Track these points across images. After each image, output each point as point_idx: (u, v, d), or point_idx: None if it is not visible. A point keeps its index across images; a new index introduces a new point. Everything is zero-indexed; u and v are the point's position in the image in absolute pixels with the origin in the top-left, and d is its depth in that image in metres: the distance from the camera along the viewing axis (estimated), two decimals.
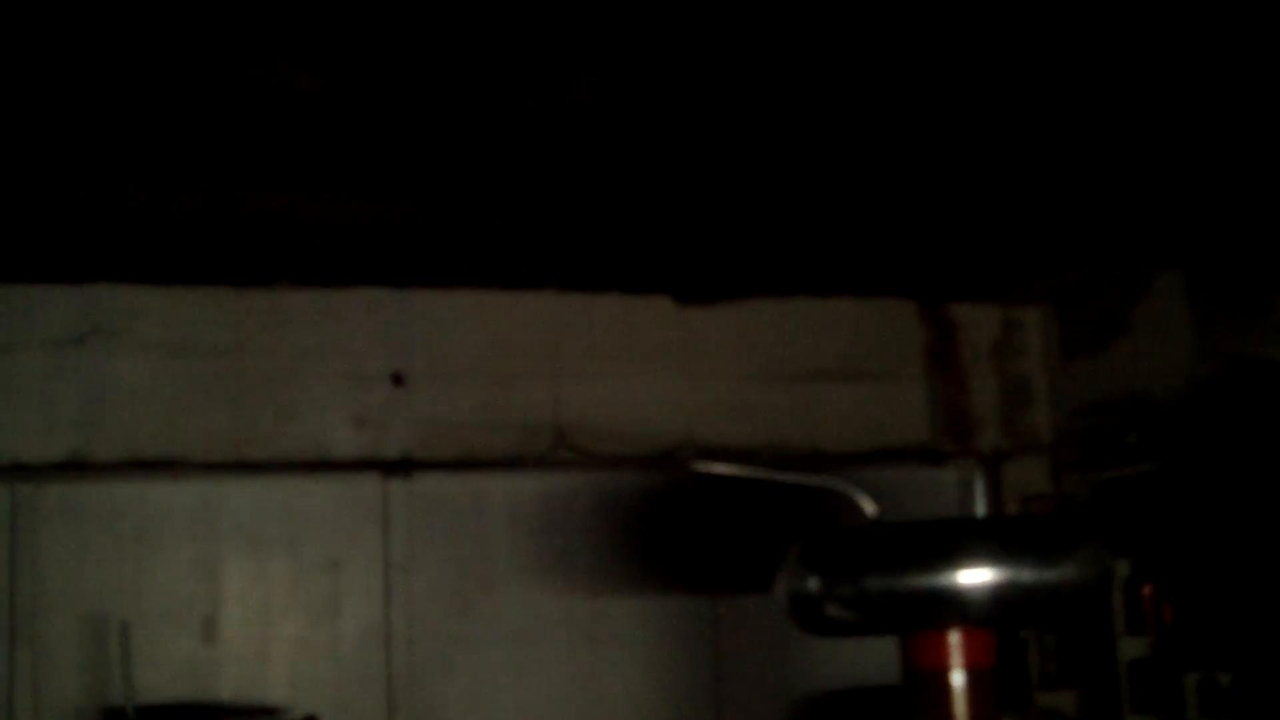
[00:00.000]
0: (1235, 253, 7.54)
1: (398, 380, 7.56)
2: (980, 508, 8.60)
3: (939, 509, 8.38)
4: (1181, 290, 7.94)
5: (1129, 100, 5.29)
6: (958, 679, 3.21)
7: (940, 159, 5.92)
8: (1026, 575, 3.08)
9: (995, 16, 4.48)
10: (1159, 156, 6.01)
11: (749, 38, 4.52)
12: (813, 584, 3.21)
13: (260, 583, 7.45)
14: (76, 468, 7.16)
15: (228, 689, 7.28)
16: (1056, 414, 8.82)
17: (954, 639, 3.20)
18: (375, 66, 4.37)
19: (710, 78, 4.85)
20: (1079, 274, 8.00)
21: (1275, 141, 5.82)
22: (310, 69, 4.36)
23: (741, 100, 5.07)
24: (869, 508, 3.38)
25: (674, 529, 8.06)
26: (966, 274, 8.17)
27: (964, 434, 8.70)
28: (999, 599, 3.06)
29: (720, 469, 4.02)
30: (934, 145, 5.72)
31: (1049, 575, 3.12)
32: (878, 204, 6.59)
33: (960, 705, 3.22)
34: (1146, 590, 7.67)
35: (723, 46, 4.56)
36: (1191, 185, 6.50)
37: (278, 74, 4.42)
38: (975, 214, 6.83)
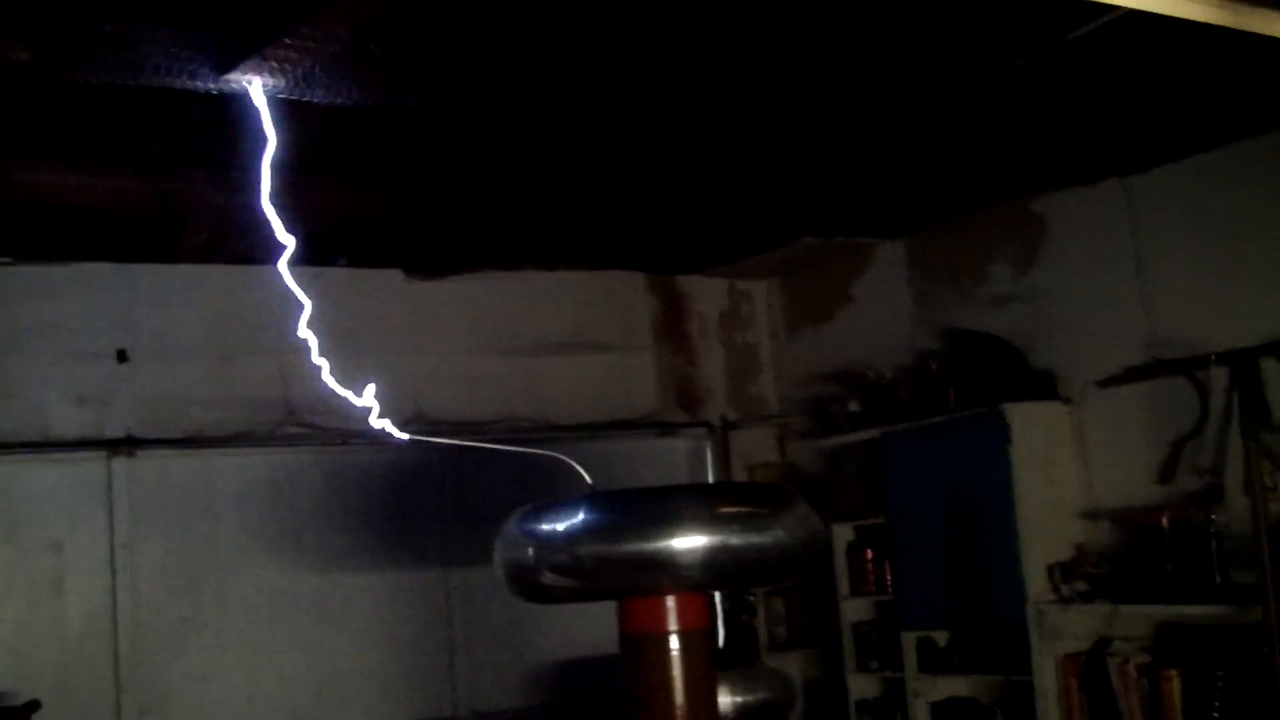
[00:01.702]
0: (950, 225, 7.81)
1: (122, 357, 7.40)
2: (710, 477, 8.76)
3: (670, 478, 8.51)
4: (902, 262, 8.19)
5: (849, 75, 5.43)
6: (673, 642, 3.31)
7: (662, 132, 6.01)
8: (736, 539, 3.19)
9: None
10: (877, 129, 6.17)
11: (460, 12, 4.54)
12: (529, 553, 3.27)
13: None
14: None
15: None
16: (782, 384, 9.04)
17: (668, 603, 3.30)
18: (87, 36, 4.30)
19: (435, 53, 4.85)
20: (803, 246, 8.18)
21: (978, 116, 6.04)
22: (25, 41, 4.27)
23: (466, 72, 5.08)
24: (585, 477, 3.46)
25: (406, 503, 8.04)
26: (694, 246, 8.30)
27: (693, 404, 8.86)
28: (709, 563, 3.16)
29: (442, 441, 4.06)
30: (657, 119, 5.81)
31: (758, 539, 3.23)
32: (605, 176, 6.65)
33: (677, 667, 3.32)
34: (868, 554, 7.91)
35: (447, 25, 4.57)
36: (910, 158, 6.70)
37: None
38: (700, 187, 6.93)
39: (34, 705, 6.76)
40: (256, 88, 4.58)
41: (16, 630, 7.21)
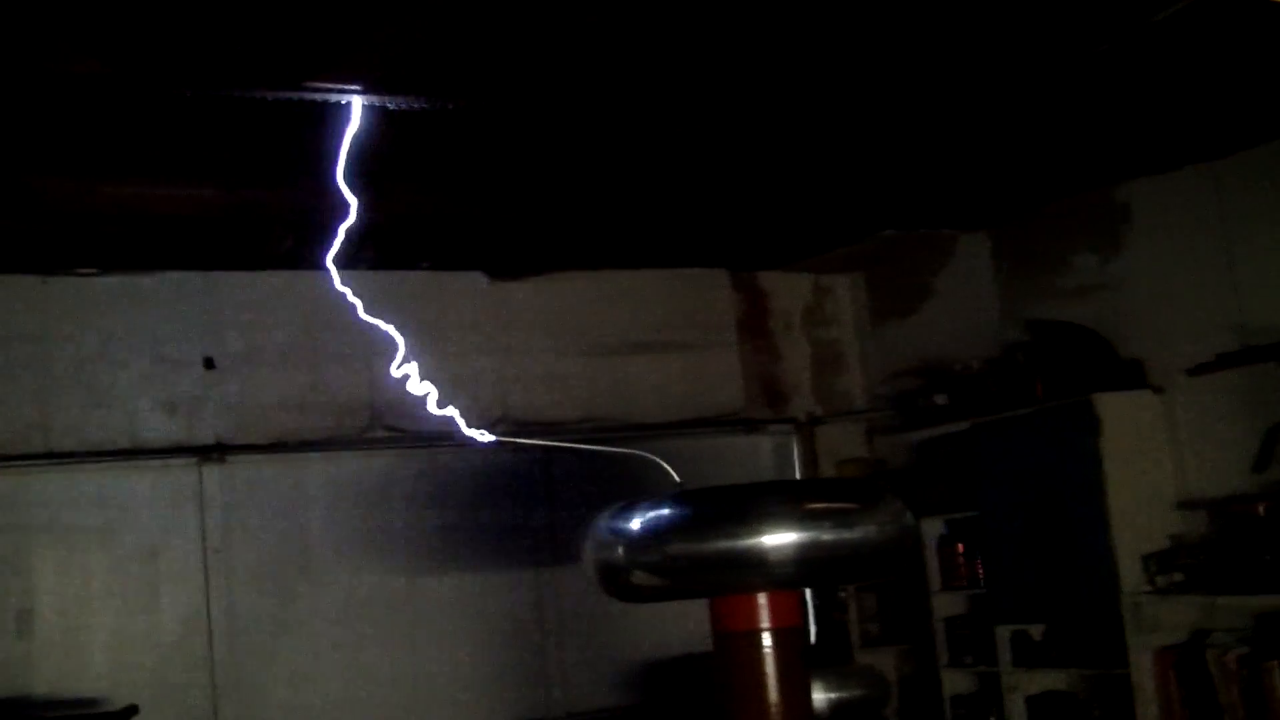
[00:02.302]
0: (1033, 215, 7.73)
1: (210, 364, 7.48)
2: (797, 473, 8.73)
3: (756, 475, 8.47)
4: (986, 253, 8.12)
5: (929, 66, 5.39)
6: (766, 639, 3.29)
7: (745, 129, 5.99)
8: (826, 535, 3.16)
9: None
10: (958, 120, 6.12)
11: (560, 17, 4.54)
12: (618, 552, 3.27)
13: (76, 574, 7.31)
14: None
15: (44, 683, 7.14)
16: (868, 378, 8.99)
17: (760, 600, 3.28)
18: (159, 50, 4.34)
19: (516, 58, 4.86)
20: (886, 239, 8.13)
21: (1060, 104, 5.98)
22: (95, 54, 4.31)
23: (543, 77, 5.09)
24: (674, 475, 3.45)
25: (495, 504, 8.06)
26: (776, 242, 8.27)
27: (778, 401, 8.82)
28: (801, 559, 3.14)
29: (529, 442, 4.06)
30: (736, 115, 5.78)
31: (849, 535, 3.21)
32: (686, 176, 6.64)
33: (770, 665, 3.30)
34: (959, 548, 7.85)
35: (528, 28, 4.58)
36: (991, 149, 6.64)
37: (64, 59, 4.36)
38: (782, 182, 6.91)
39: (133, 710, 6.84)
40: (336, 94, 4.61)
41: (114, 636, 7.31)
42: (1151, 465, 6.94)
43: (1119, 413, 6.93)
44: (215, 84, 4.57)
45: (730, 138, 6.09)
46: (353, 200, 4.49)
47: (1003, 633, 7.48)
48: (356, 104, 4.63)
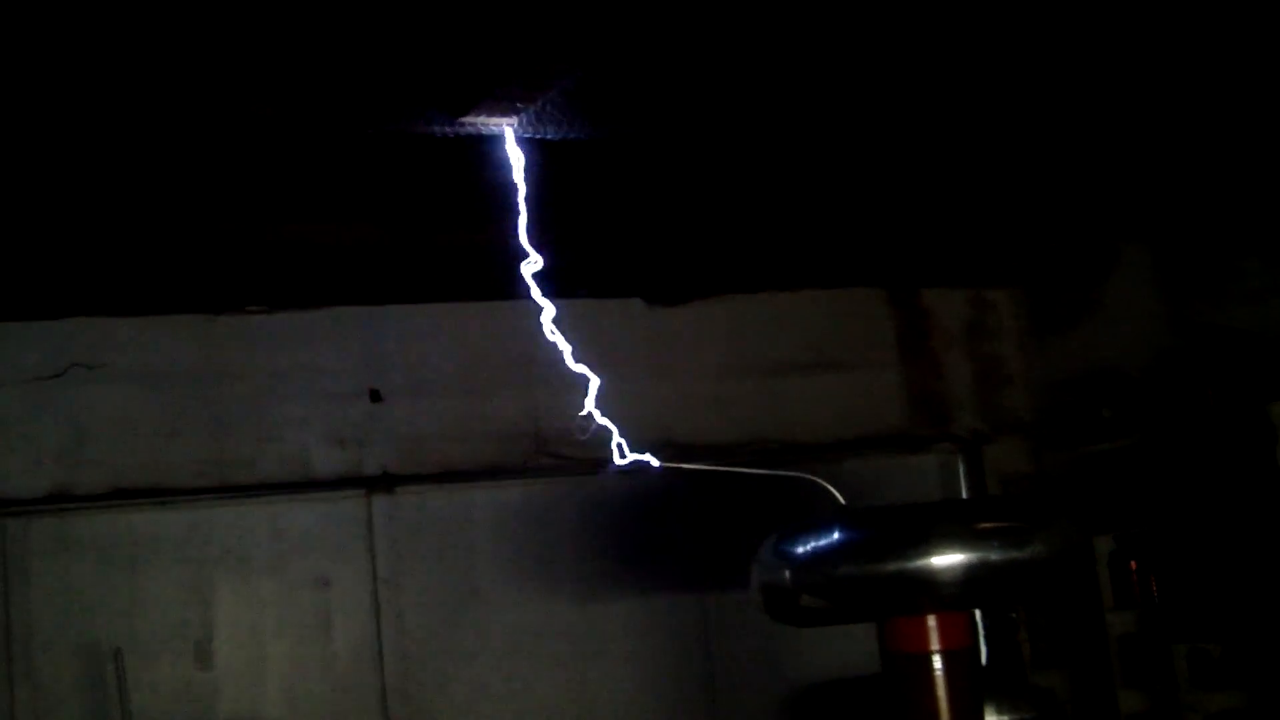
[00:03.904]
0: (1202, 221, 7.57)
1: (375, 396, 7.58)
2: (963, 492, 8.62)
3: (921, 496, 8.39)
4: (1150, 263, 7.97)
5: (1087, 79, 5.32)
6: (936, 662, 3.26)
7: (902, 144, 5.96)
8: (996, 555, 3.13)
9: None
10: (1120, 130, 6.04)
11: (711, 38, 4.55)
12: (785, 575, 3.25)
13: (251, 604, 7.46)
14: (63, 500, 7.17)
15: (224, 711, 7.29)
16: (1032, 393, 8.85)
17: (930, 622, 3.25)
18: (323, 93, 4.43)
19: (675, 85, 4.88)
20: (1047, 252, 8.03)
21: (1232, 103, 5.87)
22: (265, 97, 4.41)
23: (703, 103, 5.10)
24: (838, 497, 3.43)
25: (659, 530, 8.08)
26: (935, 258, 8.20)
27: (941, 419, 8.72)
28: (970, 580, 3.10)
29: (691, 466, 4.07)
30: (895, 132, 5.75)
31: (1019, 554, 3.16)
32: (842, 194, 6.62)
33: (941, 688, 3.27)
34: (1132, 564, 7.69)
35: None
36: (1155, 154, 6.54)
37: (239, 105, 4.46)
38: (941, 198, 6.86)
39: None
40: (492, 128, 4.66)
41: (288, 665, 7.43)
42: None
43: None
44: (375, 123, 4.66)
45: (894, 156, 6.06)
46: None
47: (1180, 652, 7.32)
48: (510, 136, 4.66)
